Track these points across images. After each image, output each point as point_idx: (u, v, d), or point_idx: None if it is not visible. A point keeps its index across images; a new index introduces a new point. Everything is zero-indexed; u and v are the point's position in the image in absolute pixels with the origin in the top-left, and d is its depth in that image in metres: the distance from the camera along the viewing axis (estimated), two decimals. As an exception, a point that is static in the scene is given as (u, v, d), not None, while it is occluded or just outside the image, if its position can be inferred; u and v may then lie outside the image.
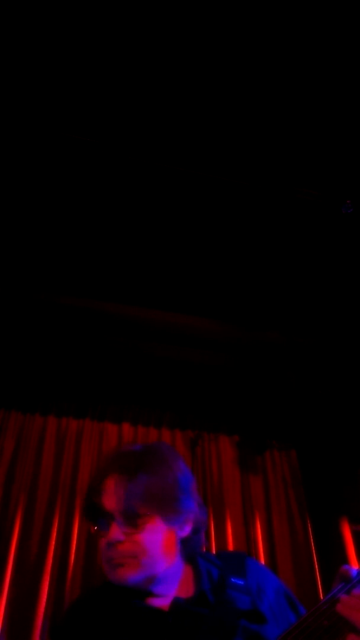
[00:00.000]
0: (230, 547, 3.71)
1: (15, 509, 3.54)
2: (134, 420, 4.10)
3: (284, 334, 3.53)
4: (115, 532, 1.06)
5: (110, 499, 1.09)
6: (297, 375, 3.81)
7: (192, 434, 4.02)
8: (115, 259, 3.10)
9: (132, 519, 1.06)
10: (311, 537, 3.93)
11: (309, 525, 3.99)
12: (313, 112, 2.41)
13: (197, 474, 3.90)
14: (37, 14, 2.03)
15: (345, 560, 3.61)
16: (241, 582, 1.11)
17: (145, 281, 3.22)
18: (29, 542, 3.46)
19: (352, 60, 2.22)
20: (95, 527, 1.12)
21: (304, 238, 2.94)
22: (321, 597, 3.47)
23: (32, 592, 3.27)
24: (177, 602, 1.07)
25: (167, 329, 3.50)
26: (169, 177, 2.60)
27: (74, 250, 3.03)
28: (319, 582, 3.70)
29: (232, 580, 1.11)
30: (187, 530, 1.14)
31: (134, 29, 2.09)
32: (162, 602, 1.08)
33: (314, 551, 3.87)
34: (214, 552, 3.35)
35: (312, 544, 3.90)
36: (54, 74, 2.23)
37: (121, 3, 2.00)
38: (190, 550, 1.16)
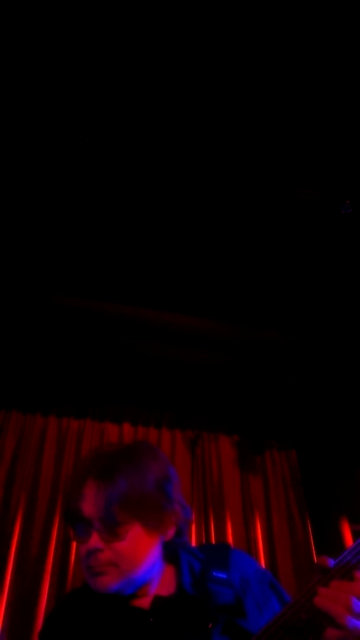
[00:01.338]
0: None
1: (16, 509, 3.55)
2: (134, 420, 4.11)
3: (283, 333, 3.54)
4: (95, 540, 1.03)
5: (89, 506, 1.05)
6: (296, 374, 3.81)
7: (192, 434, 4.03)
8: (115, 259, 3.10)
9: (112, 527, 1.03)
10: (311, 537, 3.94)
11: (309, 525, 4.00)
12: (312, 112, 2.42)
13: (197, 474, 3.91)
14: (37, 14, 2.04)
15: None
16: (223, 575, 1.09)
17: (144, 281, 3.23)
18: (29, 542, 3.46)
19: (352, 60, 2.23)
20: (75, 534, 1.09)
21: (302, 238, 2.95)
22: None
23: (32, 593, 3.28)
24: (157, 600, 1.06)
25: (166, 329, 3.51)
26: (169, 177, 2.60)
27: (74, 250, 3.04)
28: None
29: (214, 573, 1.09)
30: (170, 534, 1.11)
31: (133, 29, 2.10)
32: (143, 601, 1.07)
33: (313, 551, 3.87)
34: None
35: (312, 544, 3.90)
36: (54, 74, 2.24)
37: (121, 3, 2.01)
38: (172, 552, 1.14)
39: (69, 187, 2.69)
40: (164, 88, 2.30)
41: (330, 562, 0.91)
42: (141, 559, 1.04)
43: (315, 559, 3.83)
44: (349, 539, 3.65)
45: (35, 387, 3.96)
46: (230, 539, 3.77)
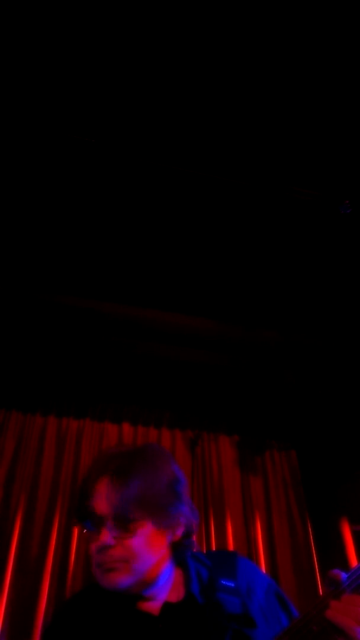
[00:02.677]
0: (231, 547, 3.71)
1: (16, 509, 3.54)
2: (134, 420, 4.11)
3: (283, 334, 3.54)
4: (107, 536, 1.04)
5: (102, 503, 1.07)
6: (296, 374, 3.81)
7: (192, 434, 4.02)
8: (115, 259, 3.11)
9: (124, 524, 1.04)
10: (311, 537, 3.93)
11: (309, 525, 3.99)
12: (312, 112, 2.42)
13: (197, 474, 3.91)
14: (37, 14, 2.04)
15: (345, 560, 3.61)
16: (231, 584, 1.10)
17: (145, 281, 3.23)
18: (29, 542, 3.46)
19: (352, 60, 2.23)
20: (86, 531, 1.10)
21: (302, 238, 2.95)
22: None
23: (32, 593, 3.27)
24: (167, 607, 1.06)
25: (166, 329, 3.51)
26: (169, 177, 2.61)
27: (74, 250, 3.04)
28: (319, 583, 3.70)
29: (222, 582, 1.10)
30: (178, 534, 1.12)
31: (133, 29, 2.11)
32: (152, 606, 1.07)
33: (314, 551, 3.87)
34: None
35: (312, 544, 3.90)
36: (54, 73, 2.25)
37: (121, 3, 2.01)
38: (181, 553, 1.15)
39: (69, 187, 2.69)
40: (164, 88, 2.30)
41: (343, 575, 0.92)
42: (151, 556, 1.06)
43: (315, 558, 3.83)
44: (349, 540, 3.65)
45: (35, 387, 3.96)
46: (230, 539, 3.77)
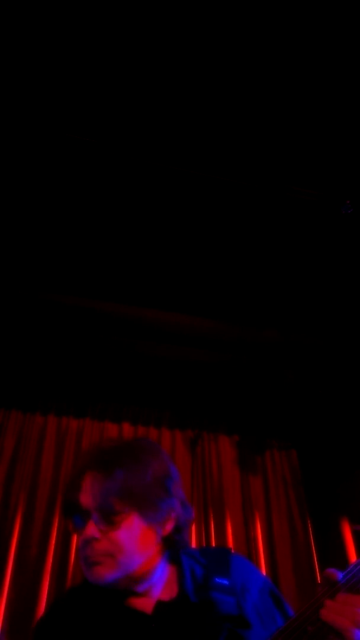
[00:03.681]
0: (230, 547, 3.71)
1: (16, 509, 3.54)
2: (133, 420, 4.11)
3: (283, 333, 3.54)
4: (92, 529, 1.03)
5: (87, 496, 1.06)
6: (297, 374, 3.81)
7: (192, 434, 4.02)
8: (115, 258, 3.11)
9: (108, 516, 1.04)
10: (311, 537, 3.93)
11: (309, 525, 3.99)
12: (312, 112, 2.42)
13: (197, 474, 3.90)
14: (38, 14, 2.04)
15: (345, 560, 3.60)
16: (225, 582, 1.08)
17: (145, 281, 3.23)
18: (29, 541, 3.46)
19: (352, 60, 2.22)
20: (73, 525, 1.09)
21: (303, 238, 2.95)
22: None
23: (32, 592, 3.27)
24: (160, 606, 1.05)
25: (166, 329, 3.51)
26: (168, 177, 2.61)
27: (73, 250, 3.04)
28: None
29: (216, 580, 1.08)
30: (168, 529, 1.11)
31: (133, 29, 2.10)
32: (145, 603, 1.06)
33: (314, 551, 3.86)
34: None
35: (312, 544, 3.89)
36: (54, 73, 2.24)
37: (121, 3, 2.01)
38: (173, 549, 1.13)
39: (69, 186, 2.69)
40: (164, 88, 2.30)
41: (338, 574, 0.91)
42: (137, 549, 1.04)
43: (315, 559, 3.83)
44: (349, 540, 3.65)
45: (35, 387, 3.96)
46: (230, 539, 3.76)
